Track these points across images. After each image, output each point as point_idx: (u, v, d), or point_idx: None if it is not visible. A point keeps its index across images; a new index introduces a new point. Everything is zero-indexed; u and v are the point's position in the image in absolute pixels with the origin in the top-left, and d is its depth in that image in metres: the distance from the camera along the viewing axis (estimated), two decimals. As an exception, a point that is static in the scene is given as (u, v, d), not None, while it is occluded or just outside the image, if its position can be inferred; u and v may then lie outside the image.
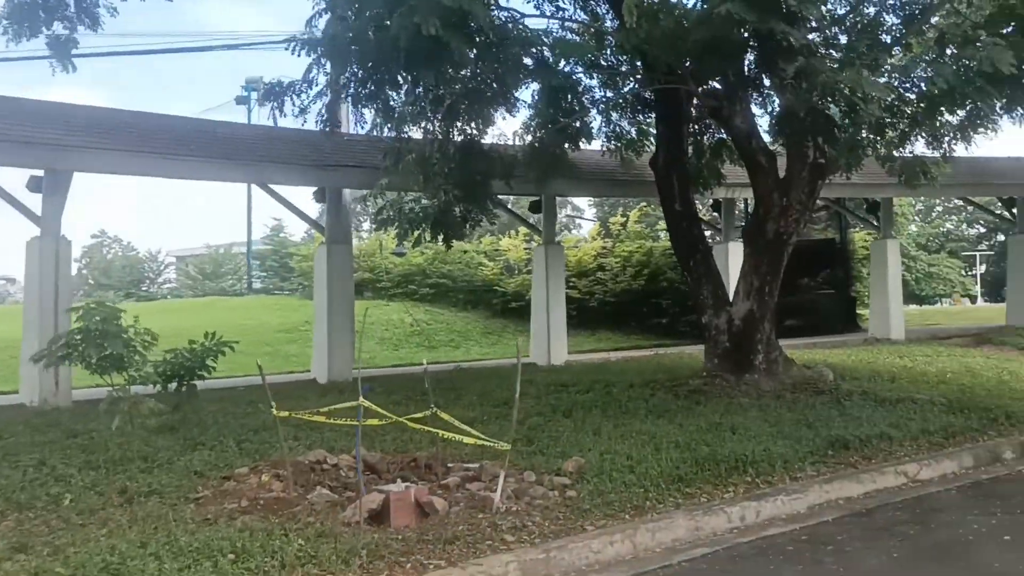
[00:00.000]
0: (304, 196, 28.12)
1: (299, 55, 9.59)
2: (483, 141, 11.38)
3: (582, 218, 53.16)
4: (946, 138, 12.76)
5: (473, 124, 11.05)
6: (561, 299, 16.31)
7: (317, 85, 10.68)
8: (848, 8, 11.78)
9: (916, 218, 75.71)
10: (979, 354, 15.90)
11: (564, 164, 12.11)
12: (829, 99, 8.31)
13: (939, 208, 74.62)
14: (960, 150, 13.17)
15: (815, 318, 22.80)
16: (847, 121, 9.90)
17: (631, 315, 23.10)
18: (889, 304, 19.64)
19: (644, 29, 7.43)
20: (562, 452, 7.80)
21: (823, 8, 8.48)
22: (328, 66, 10.10)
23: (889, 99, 8.34)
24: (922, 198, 56.28)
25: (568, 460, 7.35)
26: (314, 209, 18.28)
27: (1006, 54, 8.27)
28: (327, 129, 11.17)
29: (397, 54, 8.16)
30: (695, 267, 11.64)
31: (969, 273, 72.05)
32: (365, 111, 10.60)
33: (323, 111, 11.00)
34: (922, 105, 11.17)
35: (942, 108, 11.47)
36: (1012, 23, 11.71)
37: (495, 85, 10.44)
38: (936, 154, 13.24)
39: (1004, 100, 12.33)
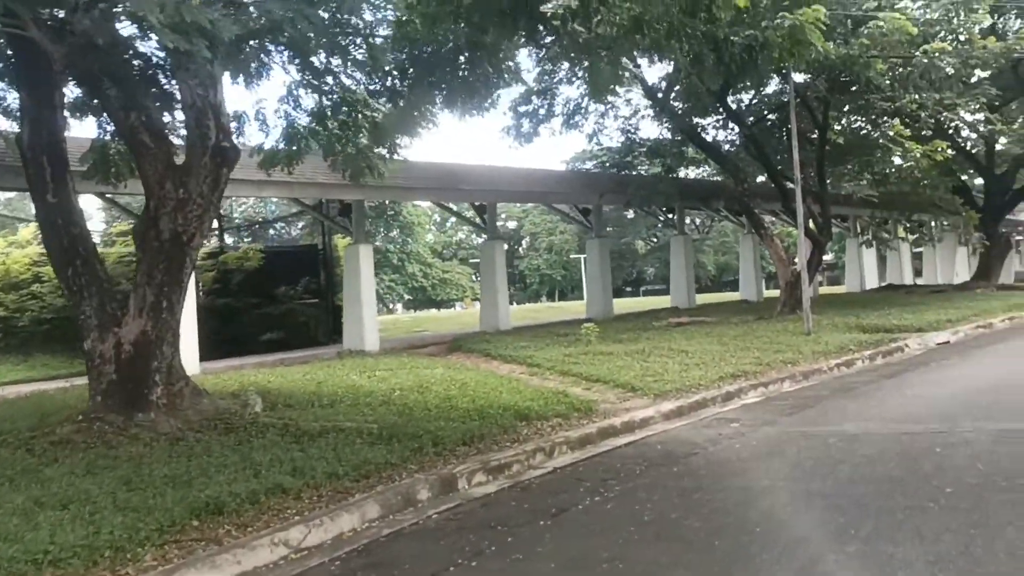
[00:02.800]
0: None
1: None
2: None
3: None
4: (389, 133, 11.75)
5: None
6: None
7: None
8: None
9: (432, 227, 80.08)
10: (443, 364, 15.30)
11: None
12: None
13: (453, 219, 79.53)
14: (417, 149, 12.28)
15: (296, 330, 21.23)
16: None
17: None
18: (363, 313, 18.61)
19: None
20: None
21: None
22: None
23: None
24: (428, 205, 58.78)
25: None
26: None
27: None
28: None
29: None
30: (74, 277, 8.92)
31: (478, 278, 77.39)
32: None
33: None
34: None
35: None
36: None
37: None
38: (384, 150, 12.16)
39: (442, 92, 11.66)
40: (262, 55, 9.76)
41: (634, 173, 29.18)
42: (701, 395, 11.41)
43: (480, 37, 10.89)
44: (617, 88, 14.24)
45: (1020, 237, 47.57)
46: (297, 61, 9.10)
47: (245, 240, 39.00)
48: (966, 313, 20.09)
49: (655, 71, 62.23)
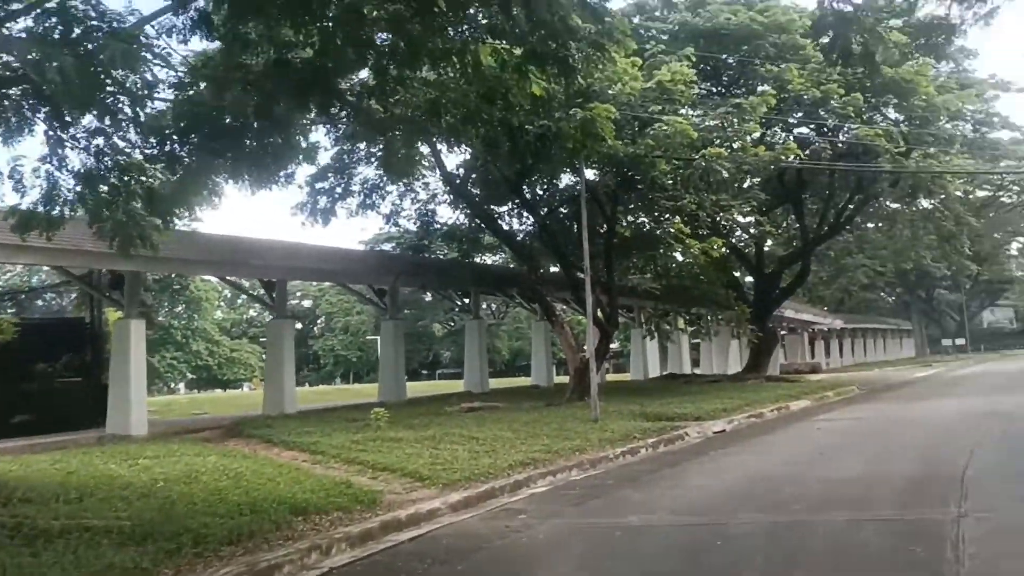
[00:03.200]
0: None
1: None
2: None
3: None
4: (167, 202, 10.93)
5: None
6: None
7: None
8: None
9: (222, 304, 76.67)
10: (218, 451, 14.22)
11: None
12: None
13: (244, 296, 76.51)
14: (209, 221, 11.45)
15: (53, 412, 19.12)
16: None
17: None
18: (131, 394, 17.15)
19: None
20: None
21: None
22: None
23: None
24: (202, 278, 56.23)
25: None
26: None
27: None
28: None
29: None
30: None
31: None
32: None
33: None
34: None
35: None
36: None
37: None
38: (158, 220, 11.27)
39: (228, 163, 11.03)
40: (23, 107, 8.87)
41: (431, 256, 29.20)
42: (490, 484, 11.11)
43: (270, 107, 10.42)
44: (415, 170, 14.11)
45: (785, 332, 51.56)
46: (49, 114, 8.25)
47: (8, 311, 35.63)
48: (739, 403, 21.15)
49: (454, 157, 63.50)
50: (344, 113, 11.17)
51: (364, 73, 11.48)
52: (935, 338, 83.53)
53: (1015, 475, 9.83)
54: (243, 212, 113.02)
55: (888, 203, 34.88)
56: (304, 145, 11.74)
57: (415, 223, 28.18)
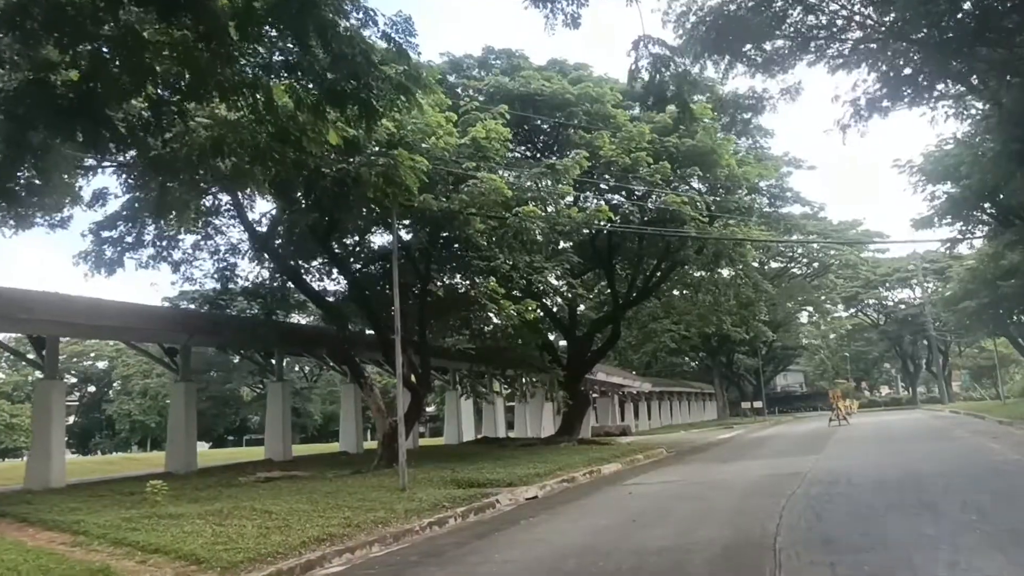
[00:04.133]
0: None
1: None
2: None
3: None
4: None
5: None
6: None
7: None
8: None
9: (3, 364, 70.65)
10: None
11: None
12: None
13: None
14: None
15: None
16: None
17: None
18: None
19: None
20: None
21: None
22: None
23: None
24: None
25: None
26: None
27: None
28: None
29: None
30: None
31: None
32: None
33: None
34: None
35: None
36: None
37: None
38: None
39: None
40: None
41: (234, 314, 27.42)
42: (277, 566, 9.94)
43: (26, 135, 9.05)
44: (189, 216, 12.85)
45: (596, 394, 52.35)
46: None
47: None
48: (552, 467, 20.71)
49: (262, 206, 61.01)
50: (119, 148, 9.92)
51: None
52: (735, 400, 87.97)
53: (822, 541, 9.66)
54: (31, 264, 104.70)
55: (693, 271, 36.18)
56: (70, 182, 10.35)
57: (213, 276, 26.31)
